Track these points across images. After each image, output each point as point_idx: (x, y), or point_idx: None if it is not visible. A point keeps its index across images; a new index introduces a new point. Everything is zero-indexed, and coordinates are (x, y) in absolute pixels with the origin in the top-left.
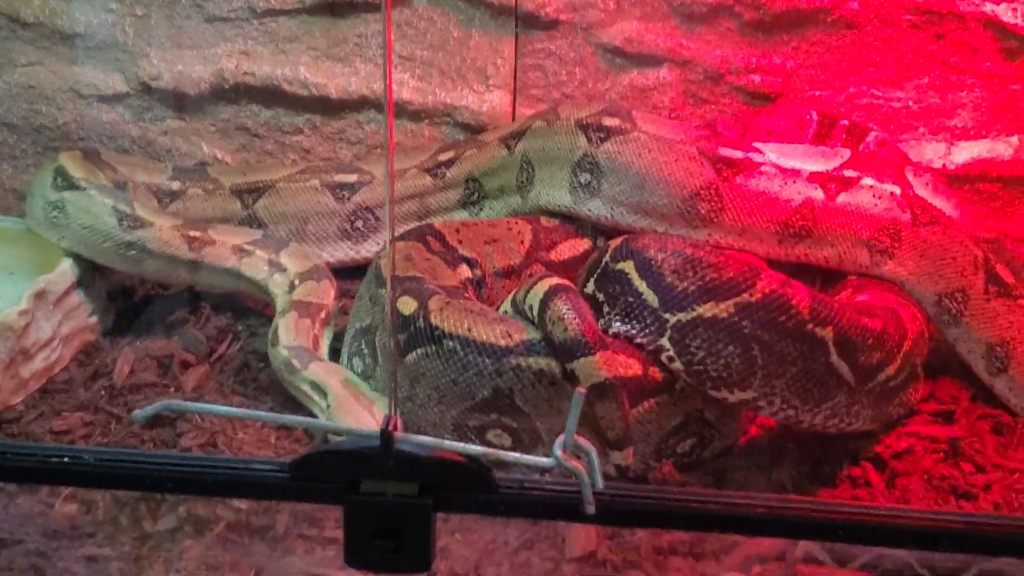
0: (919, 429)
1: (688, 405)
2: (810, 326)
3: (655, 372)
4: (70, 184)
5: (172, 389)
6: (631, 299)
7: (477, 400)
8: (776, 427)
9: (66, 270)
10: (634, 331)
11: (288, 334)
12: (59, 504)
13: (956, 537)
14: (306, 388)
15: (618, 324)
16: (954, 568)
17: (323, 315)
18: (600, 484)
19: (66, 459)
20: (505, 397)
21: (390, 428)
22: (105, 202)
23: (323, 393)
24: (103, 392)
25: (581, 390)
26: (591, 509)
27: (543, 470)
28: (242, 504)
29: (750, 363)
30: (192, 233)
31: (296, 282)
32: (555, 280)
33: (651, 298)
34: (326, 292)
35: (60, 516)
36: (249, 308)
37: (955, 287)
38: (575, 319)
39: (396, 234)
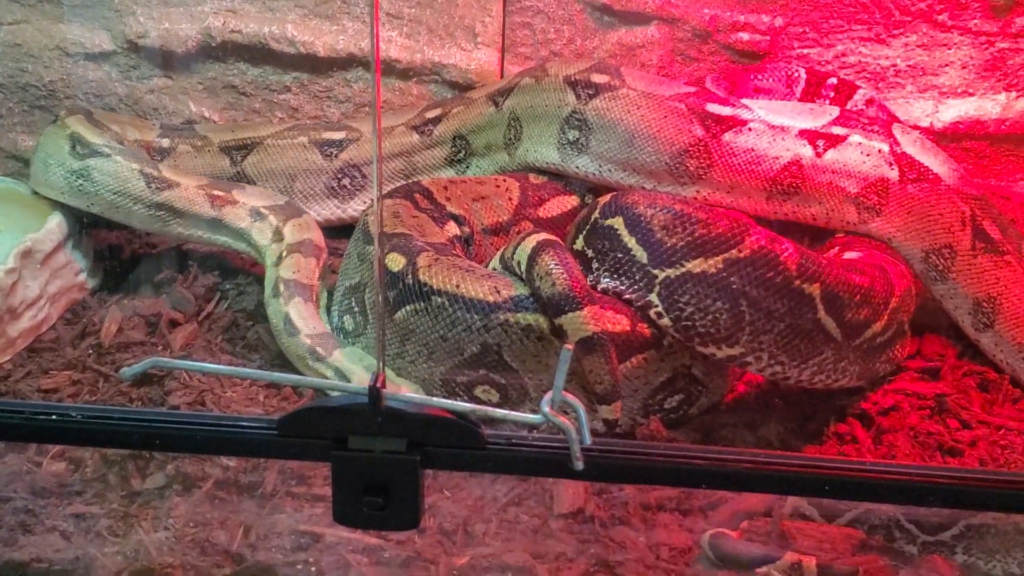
0: (905, 386)
1: (676, 361)
2: (798, 282)
3: (643, 328)
4: (92, 151)
5: (160, 347)
6: (620, 255)
7: (466, 356)
8: (763, 384)
9: (53, 228)
10: (623, 287)
11: (304, 321)
12: (47, 462)
13: (941, 492)
14: (331, 375)
15: (607, 280)
16: (940, 523)
17: (313, 296)
18: (588, 440)
19: (54, 416)
20: (493, 353)
21: (378, 385)
22: (132, 166)
23: (347, 380)
24: (91, 351)
25: (569, 346)
26: (579, 465)
27: (531, 426)
28: (230, 462)
29: (738, 319)
30: (216, 192)
31: (284, 254)
32: (543, 236)
33: (640, 254)
34: (312, 271)
35: (48, 474)
36: (237, 267)
37: (942, 243)
38: (563, 274)
39: (383, 192)
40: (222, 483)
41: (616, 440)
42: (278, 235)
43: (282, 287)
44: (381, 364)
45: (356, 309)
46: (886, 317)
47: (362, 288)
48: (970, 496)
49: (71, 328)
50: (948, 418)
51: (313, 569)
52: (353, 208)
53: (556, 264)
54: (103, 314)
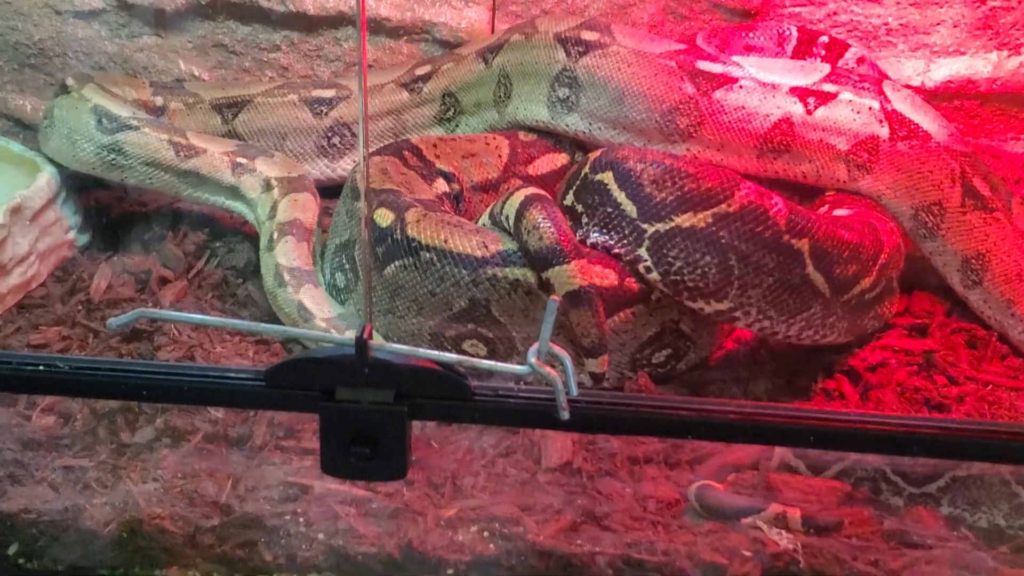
0: (893, 342)
1: (663, 316)
2: (787, 237)
3: (631, 283)
4: (120, 124)
5: (150, 304)
6: (609, 209)
7: (454, 311)
8: (752, 341)
9: (42, 186)
10: (612, 242)
11: (318, 306)
12: (36, 416)
13: (925, 442)
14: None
15: (596, 235)
16: (926, 476)
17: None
18: (575, 391)
19: (41, 367)
20: (481, 307)
21: (364, 336)
22: (161, 137)
23: None
24: (80, 307)
25: (555, 298)
26: (565, 415)
27: (518, 378)
28: (219, 413)
29: (727, 273)
30: (239, 160)
31: (275, 235)
32: (531, 190)
33: (629, 208)
34: (305, 254)
35: (37, 428)
36: (227, 226)
37: (932, 201)
38: (550, 228)
39: (371, 150)
40: (211, 437)
41: (603, 391)
42: (273, 210)
43: (286, 275)
44: (369, 315)
45: (347, 266)
46: (875, 273)
47: (352, 245)
48: (954, 446)
49: (61, 285)
50: (936, 374)
51: (301, 520)
52: (343, 167)
53: (544, 218)
54: (93, 271)
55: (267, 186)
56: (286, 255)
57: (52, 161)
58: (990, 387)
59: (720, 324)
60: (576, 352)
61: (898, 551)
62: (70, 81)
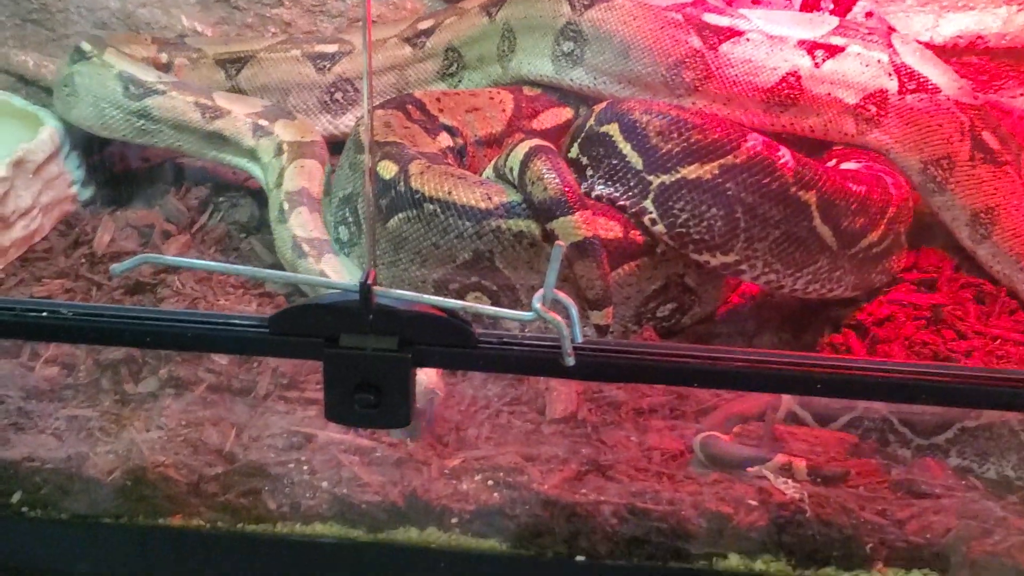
0: (901, 297)
1: (668, 269)
2: (794, 189)
3: (636, 235)
4: (148, 90)
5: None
6: (615, 161)
7: (458, 263)
8: (758, 296)
9: (45, 139)
10: (617, 194)
11: (338, 275)
12: (40, 367)
13: (933, 390)
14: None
15: (601, 187)
16: (934, 426)
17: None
18: (580, 338)
19: (44, 314)
20: (485, 260)
21: (368, 282)
22: (187, 100)
23: None
24: (83, 260)
25: (561, 243)
26: (570, 361)
27: (522, 324)
28: (223, 365)
29: (733, 226)
30: (260, 122)
31: (286, 206)
32: (535, 142)
33: (635, 160)
34: (320, 223)
35: (41, 378)
36: (230, 181)
37: (940, 154)
38: (555, 179)
39: (375, 104)
40: (215, 387)
41: (608, 340)
42: (280, 178)
43: (305, 246)
44: (372, 260)
45: (350, 219)
46: (883, 227)
47: (355, 198)
48: (962, 394)
49: (64, 239)
50: (944, 328)
51: (305, 468)
52: (345, 123)
53: (548, 169)
54: (96, 225)
55: (278, 150)
56: (302, 226)
57: (63, 120)
58: (998, 341)
59: (726, 278)
60: (581, 305)
61: (905, 501)
62: (86, 46)
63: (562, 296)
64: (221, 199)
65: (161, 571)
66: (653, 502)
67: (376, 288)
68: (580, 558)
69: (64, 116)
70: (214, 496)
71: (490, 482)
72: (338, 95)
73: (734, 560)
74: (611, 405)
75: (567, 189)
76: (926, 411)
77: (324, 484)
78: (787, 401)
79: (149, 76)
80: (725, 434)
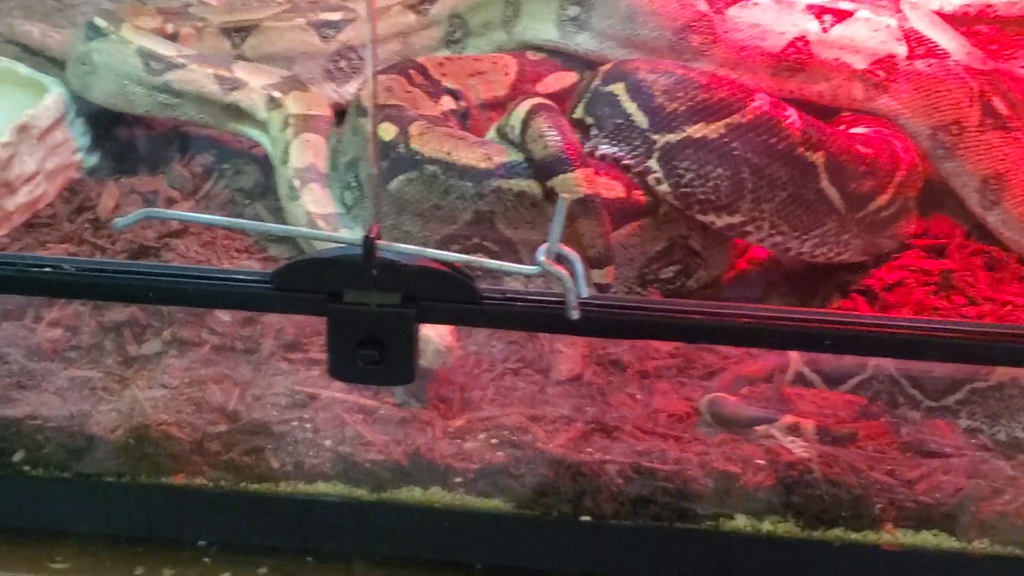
0: (911, 262)
1: (672, 231)
2: (801, 149)
3: (638, 195)
4: (169, 64)
5: (157, 222)
6: (620, 121)
7: (459, 224)
8: (765, 261)
9: (50, 105)
10: (622, 153)
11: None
12: (42, 328)
13: (942, 345)
14: None
15: (605, 147)
16: (944, 388)
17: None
18: (584, 292)
19: (47, 269)
20: (486, 220)
21: (372, 236)
22: (207, 72)
23: None
24: (87, 225)
25: (566, 196)
26: (575, 314)
27: (527, 278)
28: (226, 326)
29: (739, 186)
30: (274, 95)
31: (296, 183)
32: (537, 100)
33: (640, 119)
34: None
35: (44, 340)
36: (235, 149)
37: (950, 120)
38: (555, 135)
39: (377, 70)
40: (218, 348)
41: (613, 295)
42: (286, 154)
43: (321, 222)
44: (375, 214)
45: (353, 184)
46: (891, 190)
47: (357, 162)
48: (971, 350)
49: (68, 205)
50: (954, 294)
51: (308, 426)
52: (349, 91)
53: (549, 126)
54: (100, 192)
55: (284, 124)
56: (316, 202)
57: (81, 97)
58: (1009, 307)
59: (732, 243)
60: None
61: (915, 461)
62: (101, 23)
63: (567, 250)
64: (226, 166)
65: (163, 530)
66: (659, 461)
67: (379, 242)
68: (585, 518)
69: (82, 94)
70: (217, 455)
71: (494, 441)
72: (342, 63)
73: (741, 521)
74: (617, 367)
75: (568, 146)
76: (936, 373)
77: (327, 443)
78: (795, 363)
79: (169, 50)
80: (733, 396)
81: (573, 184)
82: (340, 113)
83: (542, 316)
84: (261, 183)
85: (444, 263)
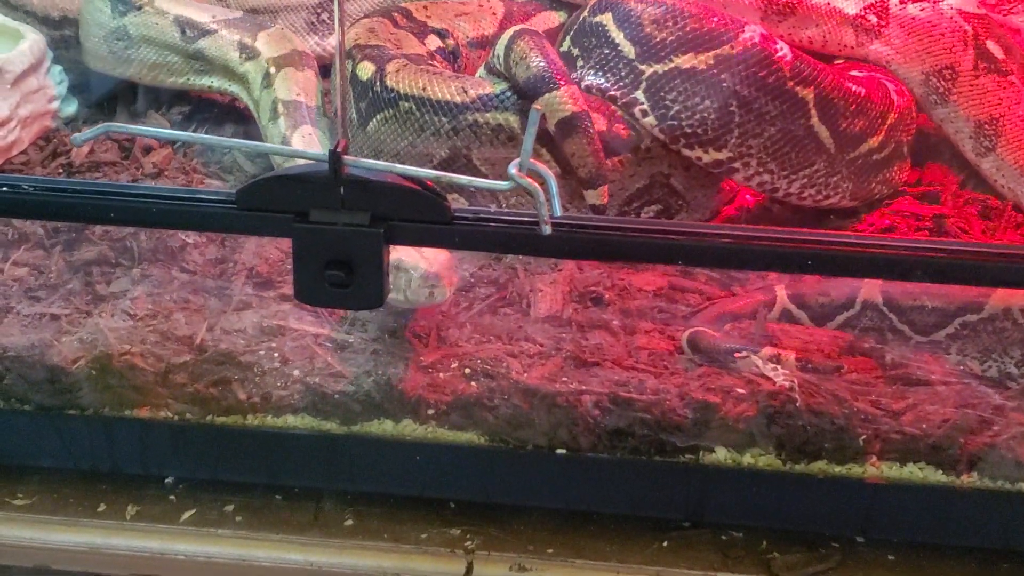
0: (903, 208)
1: (653, 167)
2: (791, 83)
3: (619, 128)
4: (202, 31)
5: (133, 168)
6: (607, 51)
7: (434, 163)
8: (754, 208)
9: (24, 50)
10: (607, 84)
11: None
12: (8, 268)
13: (929, 265)
14: None
15: (591, 77)
16: (934, 323)
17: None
18: (558, 211)
19: (5, 188)
20: (463, 157)
21: (339, 151)
22: (232, 38)
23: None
24: (61, 170)
25: (537, 107)
26: (547, 230)
27: (498, 193)
28: (198, 264)
29: (726, 120)
30: (271, 70)
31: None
32: (520, 27)
33: (628, 49)
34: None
35: (9, 279)
36: (211, 100)
37: (943, 64)
38: (538, 56)
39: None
40: (188, 284)
41: (589, 216)
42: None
43: None
44: (343, 131)
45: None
46: (883, 133)
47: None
48: (958, 269)
49: (42, 152)
50: (947, 239)
51: (276, 355)
52: (332, 44)
53: (531, 47)
54: None
55: (274, 109)
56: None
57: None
58: None
59: (717, 186)
60: (574, 185)
61: (900, 392)
62: None
63: (540, 166)
64: (204, 115)
65: (127, 465)
66: (637, 392)
67: (346, 157)
68: (561, 451)
69: (112, 72)
70: (182, 386)
71: (467, 371)
72: (324, 15)
73: (721, 454)
74: (598, 305)
75: (551, 65)
76: (926, 305)
77: (296, 373)
78: (781, 300)
79: (203, 16)
80: (716, 332)
81: (558, 103)
82: (324, 67)
83: (516, 237)
84: (240, 132)
85: (415, 180)
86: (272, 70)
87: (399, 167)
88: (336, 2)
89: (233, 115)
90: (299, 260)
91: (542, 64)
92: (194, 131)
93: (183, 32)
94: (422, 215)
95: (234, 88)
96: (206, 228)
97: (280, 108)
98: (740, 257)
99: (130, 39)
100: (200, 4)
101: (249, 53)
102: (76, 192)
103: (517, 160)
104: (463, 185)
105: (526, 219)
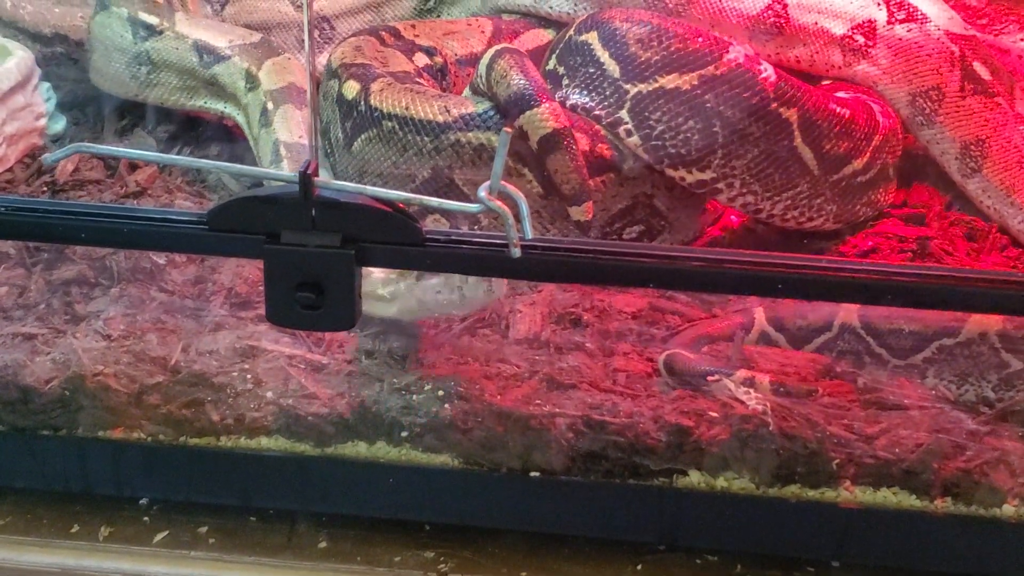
0: (887, 229)
1: (636, 188)
2: (775, 105)
3: (602, 148)
4: (218, 56)
5: (118, 187)
6: (592, 70)
7: (417, 183)
8: (738, 229)
9: (11, 68)
10: (592, 103)
11: None
12: None
13: (899, 289)
14: None
15: (576, 96)
16: (911, 347)
17: None
18: (529, 233)
19: None
20: (444, 178)
21: (309, 172)
22: (242, 66)
23: None
24: (45, 188)
25: (508, 129)
26: (516, 252)
27: (469, 216)
28: (177, 284)
29: (710, 141)
30: (268, 105)
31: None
32: (502, 45)
33: (612, 68)
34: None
35: None
36: (200, 119)
37: (930, 85)
38: (519, 73)
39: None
40: (165, 304)
41: (560, 238)
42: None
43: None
44: (314, 151)
45: (328, 151)
46: (868, 155)
47: (329, 128)
48: (929, 294)
49: (27, 170)
50: (930, 261)
51: (249, 376)
52: (323, 61)
53: (512, 65)
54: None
55: (271, 141)
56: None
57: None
58: None
59: (701, 208)
60: (559, 201)
61: (874, 416)
62: (153, 19)
63: (511, 188)
64: (190, 134)
65: (101, 486)
66: (611, 415)
67: (317, 180)
68: (535, 474)
69: (134, 97)
70: (156, 407)
71: (441, 392)
72: (316, 33)
73: (695, 477)
74: (577, 326)
75: (532, 82)
76: (903, 331)
77: (269, 395)
78: (760, 322)
79: (221, 42)
80: (692, 354)
81: (539, 120)
82: (317, 84)
83: (487, 259)
84: (226, 151)
85: (386, 202)
86: (270, 106)
87: (370, 189)
88: (306, 26)
89: (219, 134)
90: (270, 281)
91: (522, 82)
92: (179, 150)
93: (200, 57)
94: (393, 236)
95: (240, 119)
96: (177, 249)
97: (283, 151)
98: (712, 280)
99: (152, 64)
100: (221, 26)
101: (252, 84)
102: (47, 212)
103: (487, 183)
104: (434, 208)
105: (497, 241)
